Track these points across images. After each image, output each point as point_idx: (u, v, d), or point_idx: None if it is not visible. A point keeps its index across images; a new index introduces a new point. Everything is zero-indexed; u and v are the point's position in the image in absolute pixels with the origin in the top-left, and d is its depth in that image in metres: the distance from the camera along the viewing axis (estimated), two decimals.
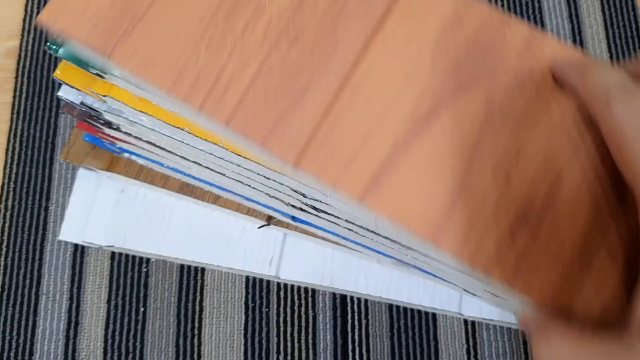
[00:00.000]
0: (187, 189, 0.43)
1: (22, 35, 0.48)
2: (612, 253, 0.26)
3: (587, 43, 0.50)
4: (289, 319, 0.43)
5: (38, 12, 0.49)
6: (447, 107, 0.27)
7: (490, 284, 0.26)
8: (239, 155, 0.33)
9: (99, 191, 0.44)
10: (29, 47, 0.48)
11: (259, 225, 0.43)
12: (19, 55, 0.48)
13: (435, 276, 0.41)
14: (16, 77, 0.47)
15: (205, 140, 0.33)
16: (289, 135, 0.26)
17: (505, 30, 0.28)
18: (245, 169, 0.35)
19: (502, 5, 0.50)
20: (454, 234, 0.25)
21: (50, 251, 0.44)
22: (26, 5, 0.49)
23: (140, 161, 0.43)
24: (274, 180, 0.35)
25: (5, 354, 0.41)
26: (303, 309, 0.43)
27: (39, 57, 0.48)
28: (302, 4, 0.28)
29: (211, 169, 0.38)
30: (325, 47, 0.27)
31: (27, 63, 0.48)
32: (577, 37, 0.50)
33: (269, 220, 0.42)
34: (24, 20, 0.49)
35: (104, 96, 0.33)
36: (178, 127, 0.33)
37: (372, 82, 0.27)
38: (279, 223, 0.43)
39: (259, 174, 0.35)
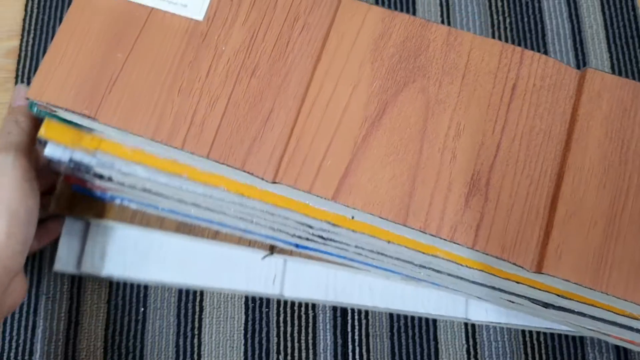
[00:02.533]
0: (184, 228, 0.42)
1: (22, 35, 0.48)
2: (556, 201, 0.30)
3: (587, 43, 0.50)
4: (289, 319, 0.43)
5: (38, 12, 0.49)
6: (391, 105, 0.31)
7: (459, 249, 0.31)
8: (242, 194, 0.33)
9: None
10: (29, 47, 0.48)
11: (262, 257, 0.42)
12: (19, 55, 0.48)
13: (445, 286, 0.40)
14: (16, 77, 0.47)
15: (206, 183, 0.33)
16: (263, 155, 0.30)
17: (427, 32, 0.33)
18: (248, 207, 0.35)
19: (502, 6, 0.50)
20: (419, 212, 0.30)
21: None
22: (26, 5, 0.49)
23: (134, 206, 0.41)
24: (279, 215, 0.34)
25: (5, 354, 0.42)
26: (303, 309, 0.43)
27: (39, 57, 0.48)
28: (254, 41, 0.32)
29: (211, 210, 0.37)
30: (281, 74, 0.32)
31: (27, 63, 0.48)
32: (577, 37, 0.50)
33: (272, 249, 0.42)
34: (24, 20, 0.49)
35: (94, 150, 0.33)
36: (175, 174, 0.33)
37: (325, 96, 0.32)
38: (282, 250, 0.42)
39: (263, 211, 0.35)
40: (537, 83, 0.32)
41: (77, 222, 0.42)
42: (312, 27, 0.33)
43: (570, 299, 0.32)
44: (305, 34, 0.32)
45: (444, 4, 0.50)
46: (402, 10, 0.50)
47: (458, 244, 0.29)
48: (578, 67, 0.48)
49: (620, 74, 0.48)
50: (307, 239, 0.38)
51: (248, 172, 0.30)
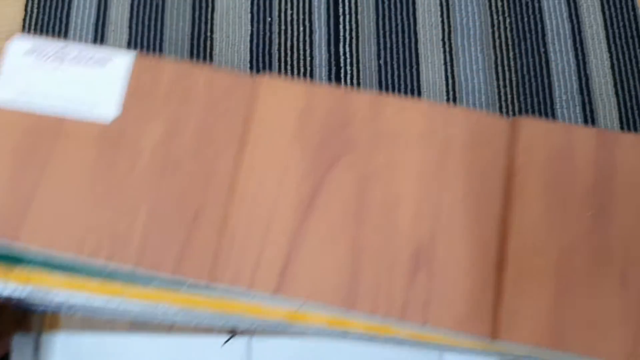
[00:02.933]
0: (137, 326, 0.40)
1: None
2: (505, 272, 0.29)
3: (587, 43, 0.50)
4: None
5: (38, 12, 0.49)
6: (323, 184, 0.30)
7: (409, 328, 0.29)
8: (186, 306, 0.32)
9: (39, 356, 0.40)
10: None
11: (224, 342, 0.40)
12: None
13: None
14: None
15: (146, 301, 0.32)
16: (196, 257, 0.29)
17: (350, 102, 0.31)
18: (197, 314, 0.33)
19: (502, 6, 0.50)
20: (365, 295, 0.28)
21: None
22: (26, 5, 0.49)
23: (80, 313, 0.40)
24: (231, 317, 0.33)
25: None
26: None
27: None
28: (172, 134, 0.30)
29: (158, 318, 0.36)
30: (205, 167, 0.30)
31: None
32: (577, 37, 0.50)
33: (233, 332, 0.40)
34: (24, 20, 0.49)
35: (25, 284, 0.32)
36: (113, 296, 0.32)
37: (254, 184, 0.30)
38: (245, 331, 0.40)
39: (214, 315, 0.33)
40: (468, 140, 0.31)
41: (27, 337, 0.41)
42: (233, 111, 0.31)
43: (536, 355, 0.31)
44: (226, 120, 0.31)
45: (444, 4, 0.50)
46: (402, 10, 0.50)
47: (409, 323, 0.28)
48: (578, 68, 0.48)
49: (620, 74, 0.48)
50: (265, 329, 0.36)
51: (181, 278, 0.29)
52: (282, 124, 0.31)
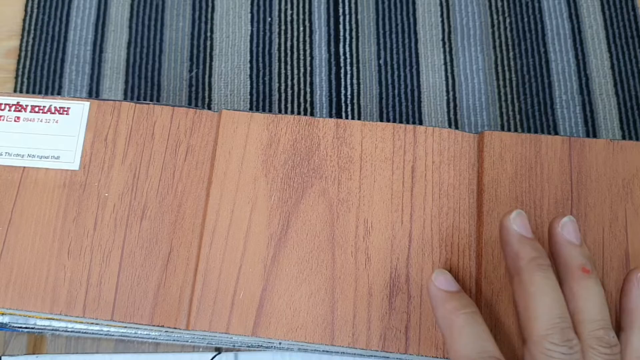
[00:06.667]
0: (123, 346, 0.39)
1: (22, 35, 0.48)
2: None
3: (587, 43, 0.50)
4: None
5: (38, 12, 0.49)
6: (294, 216, 0.30)
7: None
8: (167, 328, 0.31)
9: None
10: (29, 47, 0.48)
11: (210, 359, 0.39)
12: (19, 55, 0.48)
13: None
14: (16, 77, 0.48)
15: (127, 324, 0.31)
16: (171, 303, 0.28)
17: (315, 129, 0.31)
18: (178, 334, 0.33)
19: (502, 6, 0.50)
20: (344, 328, 0.28)
21: None
22: (26, 5, 0.49)
23: (65, 335, 0.39)
24: (212, 337, 0.33)
25: None
26: None
27: (39, 57, 0.48)
28: (137, 179, 0.30)
29: (140, 339, 0.36)
30: (173, 208, 0.30)
31: (27, 63, 0.48)
32: (577, 37, 0.50)
33: (219, 350, 0.39)
34: (24, 20, 0.49)
35: (3, 315, 0.32)
36: (93, 323, 0.31)
37: (225, 222, 0.29)
38: (230, 348, 0.40)
39: (194, 335, 0.33)
40: (435, 159, 0.30)
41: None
42: (197, 149, 0.31)
43: None
44: (190, 159, 0.31)
45: (444, 4, 0.50)
46: (402, 10, 0.50)
47: (390, 352, 0.28)
48: (578, 68, 0.48)
49: (620, 74, 0.49)
50: (248, 346, 0.36)
51: (158, 326, 0.29)
52: (247, 158, 0.31)
